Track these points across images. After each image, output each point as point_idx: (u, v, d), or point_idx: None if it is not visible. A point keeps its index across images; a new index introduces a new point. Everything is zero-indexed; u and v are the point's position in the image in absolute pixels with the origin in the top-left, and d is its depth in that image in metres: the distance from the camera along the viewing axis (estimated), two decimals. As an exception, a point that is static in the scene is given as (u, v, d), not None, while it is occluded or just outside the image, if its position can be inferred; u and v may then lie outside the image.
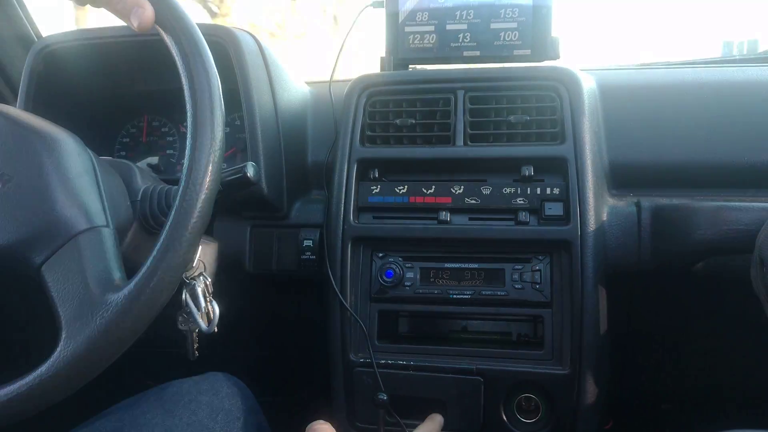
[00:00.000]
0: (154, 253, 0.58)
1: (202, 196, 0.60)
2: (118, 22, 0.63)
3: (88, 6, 0.63)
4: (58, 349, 0.55)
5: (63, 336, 0.55)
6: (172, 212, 0.59)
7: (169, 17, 0.63)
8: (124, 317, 0.55)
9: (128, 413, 0.72)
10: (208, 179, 0.60)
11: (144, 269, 0.57)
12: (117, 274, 0.60)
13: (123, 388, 0.59)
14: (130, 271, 0.61)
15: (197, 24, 0.65)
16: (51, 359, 0.55)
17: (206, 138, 0.61)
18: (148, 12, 0.61)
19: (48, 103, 1.07)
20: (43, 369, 0.55)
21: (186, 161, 0.60)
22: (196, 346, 0.86)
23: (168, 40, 0.64)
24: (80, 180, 0.64)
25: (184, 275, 0.81)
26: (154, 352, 1.11)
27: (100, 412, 0.75)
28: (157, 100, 1.21)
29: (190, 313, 0.80)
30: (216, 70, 0.64)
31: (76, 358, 0.55)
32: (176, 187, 0.62)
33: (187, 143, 0.61)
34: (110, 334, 0.55)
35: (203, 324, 0.80)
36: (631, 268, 0.94)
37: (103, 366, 0.57)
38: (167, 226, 0.58)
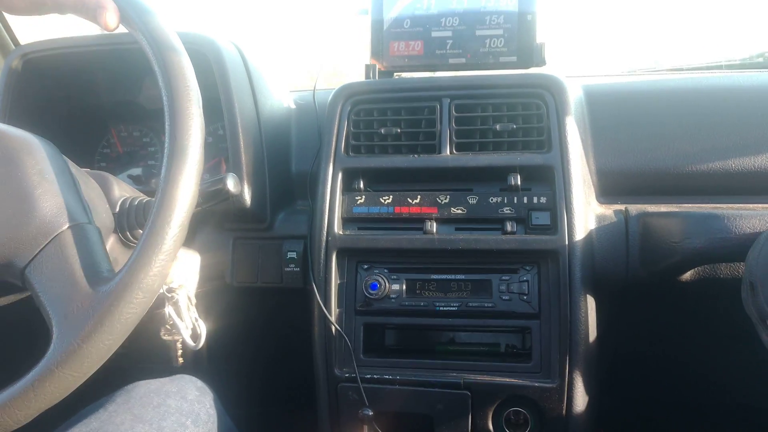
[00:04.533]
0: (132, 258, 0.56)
1: (177, 215, 0.58)
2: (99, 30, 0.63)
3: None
4: (51, 349, 0.53)
5: (55, 335, 0.54)
6: (145, 231, 0.57)
7: (149, 31, 0.62)
8: (119, 305, 0.54)
9: (95, 419, 0.70)
10: (183, 196, 0.58)
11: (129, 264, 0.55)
12: (105, 266, 0.58)
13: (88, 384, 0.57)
14: None
15: (178, 33, 0.63)
16: (43, 361, 0.53)
17: (182, 153, 0.59)
18: (111, 11, 0.61)
19: (24, 112, 1.05)
20: (36, 371, 0.53)
21: (162, 177, 0.58)
22: (180, 352, 0.85)
23: (148, 51, 0.62)
24: (57, 180, 0.62)
25: (164, 289, 0.79)
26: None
27: (66, 412, 0.72)
28: (138, 109, 1.18)
29: (174, 326, 0.79)
30: (196, 81, 0.62)
31: (72, 355, 0.53)
32: (154, 199, 0.60)
33: (164, 158, 0.59)
34: (108, 324, 0.54)
35: (190, 340, 0.79)
36: (620, 277, 0.93)
37: (103, 357, 0.55)
38: (139, 247, 0.56)
